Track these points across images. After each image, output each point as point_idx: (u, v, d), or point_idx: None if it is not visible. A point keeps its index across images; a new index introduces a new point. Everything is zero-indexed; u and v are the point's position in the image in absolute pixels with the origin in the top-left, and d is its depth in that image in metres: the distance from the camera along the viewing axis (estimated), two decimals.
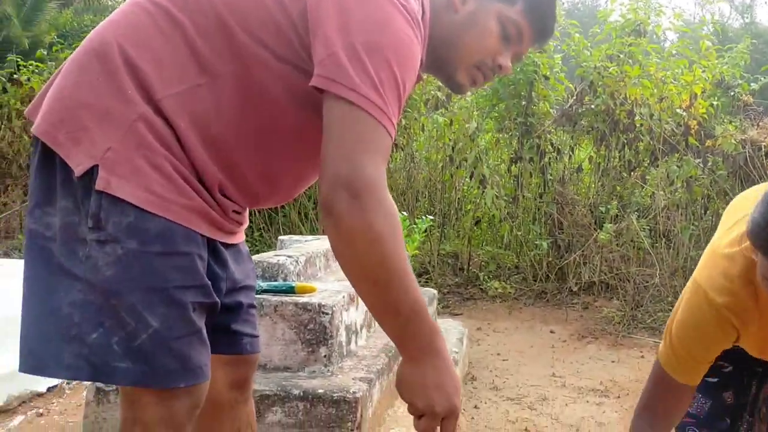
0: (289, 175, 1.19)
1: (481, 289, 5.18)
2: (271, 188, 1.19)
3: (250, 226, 1.82)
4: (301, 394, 1.86)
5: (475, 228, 5.70)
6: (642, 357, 3.73)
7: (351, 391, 1.88)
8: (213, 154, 1.08)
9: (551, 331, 4.26)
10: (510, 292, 4.99)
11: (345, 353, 2.14)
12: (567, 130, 5.45)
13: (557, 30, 5.10)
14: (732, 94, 5.13)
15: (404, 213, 3.79)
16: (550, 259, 5.07)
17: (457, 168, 5.47)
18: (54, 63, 6.00)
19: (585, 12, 22.81)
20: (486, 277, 5.18)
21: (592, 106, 4.99)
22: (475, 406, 2.90)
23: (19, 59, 6.04)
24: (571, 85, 5.16)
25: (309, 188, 1.51)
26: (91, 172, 1.02)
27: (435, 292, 3.53)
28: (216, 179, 1.09)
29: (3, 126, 5.78)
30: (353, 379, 1.98)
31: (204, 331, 1.11)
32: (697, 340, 1.22)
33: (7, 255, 5.01)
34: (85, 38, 1.13)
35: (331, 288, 2.22)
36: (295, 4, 1.06)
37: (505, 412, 2.87)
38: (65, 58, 1.35)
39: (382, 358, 2.23)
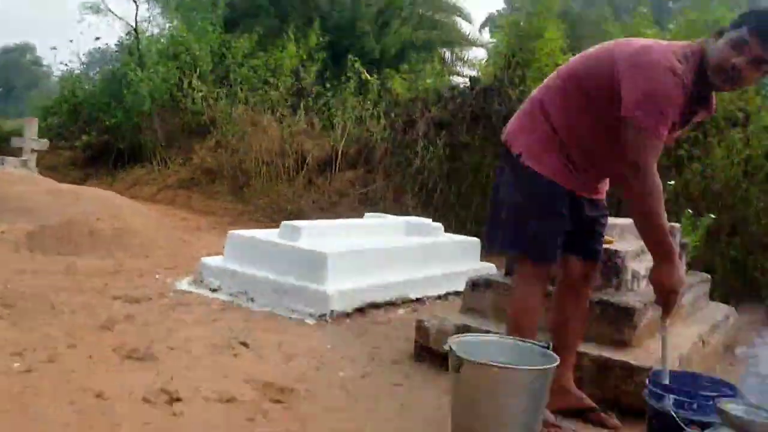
0: (612, 158, 2.33)
1: (761, 294, 5.59)
2: (605, 165, 2.39)
3: None
4: (598, 300, 2.95)
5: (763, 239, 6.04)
6: None
7: (631, 305, 2.91)
8: (577, 148, 2.32)
9: None
10: None
11: (628, 287, 3.16)
12: None
13: None
14: None
15: (689, 210, 4.53)
16: None
17: (749, 182, 5.91)
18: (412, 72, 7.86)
19: None
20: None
21: None
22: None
23: (393, 72, 8.01)
24: None
25: None
26: (520, 155, 2.33)
27: (708, 276, 4.30)
28: (577, 160, 2.32)
29: (379, 125, 7.78)
30: (634, 300, 3.00)
31: (560, 238, 2.35)
32: None
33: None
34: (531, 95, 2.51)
35: (624, 244, 3.26)
36: (616, 71, 2.20)
37: None
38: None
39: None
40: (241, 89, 9.13)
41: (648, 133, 2.11)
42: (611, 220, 3.64)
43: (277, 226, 4.64)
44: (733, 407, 1.94)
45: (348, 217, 6.30)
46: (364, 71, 8.70)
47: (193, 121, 9.87)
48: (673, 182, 5.34)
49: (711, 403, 2.01)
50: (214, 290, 4.16)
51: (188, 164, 9.31)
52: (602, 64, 2.26)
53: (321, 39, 10.03)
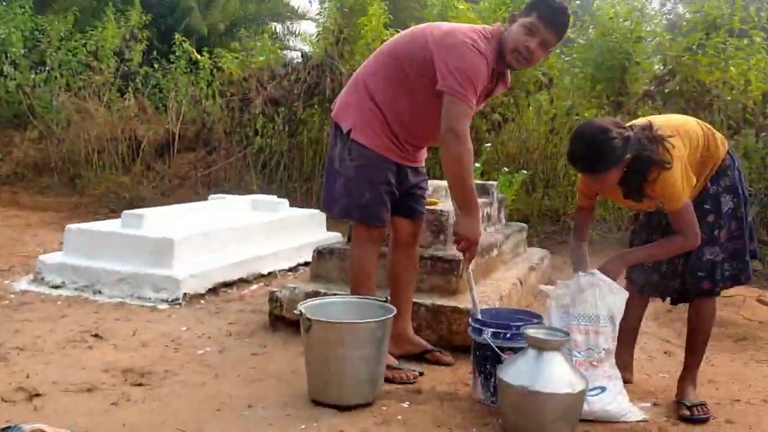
0: (428, 130, 2.64)
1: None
2: (423, 137, 2.69)
3: None
4: (429, 256, 3.32)
5: (572, 188, 6.89)
6: None
7: (456, 257, 3.31)
8: (399, 123, 2.61)
9: None
10: (596, 239, 6.18)
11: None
12: (656, 106, 6.48)
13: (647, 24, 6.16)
14: None
15: (505, 168, 5.10)
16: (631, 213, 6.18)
17: (558, 138, 6.69)
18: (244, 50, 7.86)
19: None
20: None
21: (676, 88, 6.02)
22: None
23: (224, 51, 7.95)
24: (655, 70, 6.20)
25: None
26: (350, 131, 2.57)
27: (525, 225, 4.90)
28: (400, 135, 2.61)
29: (215, 105, 7.72)
30: (458, 253, 3.40)
31: (388, 203, 2.63)
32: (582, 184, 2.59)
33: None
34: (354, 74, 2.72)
35: (446, 204, 3.66)
36: (429, 51, 2.51)
37: None
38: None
39: None
40: (61, 75, 8.59)
41: (462, 102, 2.43)
42: (437, 182, 4.05)
43: (118, 216, 4.58)
44: (534, 331, 2.37)
45: (192, 201, 6.28)
46: (194, 51, 8.54)
47: (8, 112, 9.14)
48: (489, 144, 5.90)
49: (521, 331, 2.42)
50: (56, 287, 4.06)
51: (8, 159, 8.65)
52: (418, 45, 2.56)
53: (144, 17, 9.61)
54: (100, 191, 7.55)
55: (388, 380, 2.61)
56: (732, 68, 5.55)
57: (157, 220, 4.39)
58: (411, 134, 2.67)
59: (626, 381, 2.64)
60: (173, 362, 2.87)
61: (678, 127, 2.50)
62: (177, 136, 8.04)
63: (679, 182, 2.39)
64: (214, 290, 4.12)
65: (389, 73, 2.61)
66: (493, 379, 2.47)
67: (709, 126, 2.63)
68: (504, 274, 3.88)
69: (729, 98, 5.55)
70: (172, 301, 3.84)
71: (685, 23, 6.23)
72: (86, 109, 8.00)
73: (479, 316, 2.64)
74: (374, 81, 2.64)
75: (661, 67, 6.08)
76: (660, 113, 6.47)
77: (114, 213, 6.53)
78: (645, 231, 2.74)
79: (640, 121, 2.58)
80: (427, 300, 3.17)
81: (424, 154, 2.88)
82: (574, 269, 2.66)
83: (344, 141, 2.65)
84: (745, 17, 5.77)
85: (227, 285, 4.25)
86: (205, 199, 5.90)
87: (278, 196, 5.96)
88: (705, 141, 2.52)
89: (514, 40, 2.52)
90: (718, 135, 2.61)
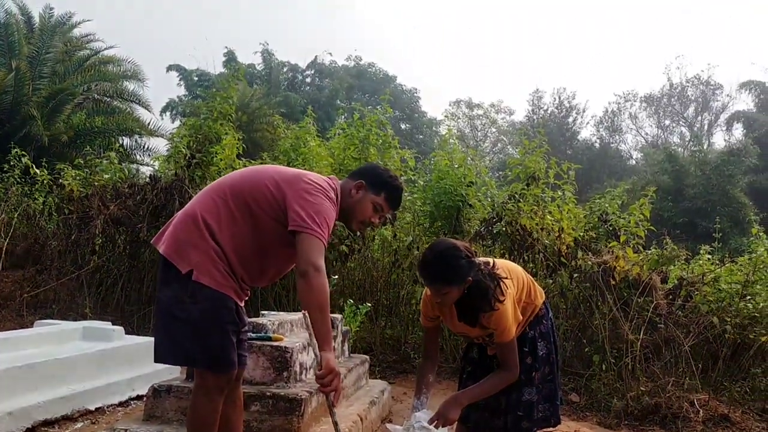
0: (273, 270, 2.73)
1: (413, 365, 6.63)
2: (265, 277, 2.74)
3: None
4: (271, 395, 3.33)
5: (413, 315, 7.22)
6: None
7: (299, 396, 3.35)
8: (241, 264, 2.59)
9: None
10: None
11: (297, 379, 3.61)
12: (486, 244, 7.10)
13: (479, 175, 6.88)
14: (608, 224, 6.83)
15: (351, 300, 5.30)
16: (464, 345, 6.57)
17: (401, 270, 7.07)
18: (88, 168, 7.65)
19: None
20: (417, 356, 6.63)
21: (503, 229, 6.68)
22: None
23: (65, 166, 7.67)
24: (486, 212, 6.88)
25: (278, 284, 3.08)
26: (190, 272, 2.51)
27: (367, 357, 5.04)
28: (241, 274, 2.61)
29: (51, 221, 7.32)
30: (302, 390, 3.45)
31: (236, 344, 2.61)
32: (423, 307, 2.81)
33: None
34: (183, 208, 2.68)
35: (293, 340, 3.72)
36: (280, 193, 2.59)
37: None
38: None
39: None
40: None
41: (320, 240, 2.50)
42: (281, 317, 4.12)
43: None
44: None
45: (14, 323, 5.80)
46: (32, 165, 8.16)
47: None
48: (336, 277, 6.12)
49: None
50: None
51: None
52: (265, 186, 2.58)
53: None
54: None
55: None
56: (548, 216, 6.30)
57: None
58: (251, 273, 2.62)
59: None
60: None
61: (510, 271, 2.83)
62: (3, 252, 7.47)
63: (510, 317, 2.69)
64: (32, 430, 3.78)
65: (231, 212, 2.56)
66: None
67: (530, 277, 3.00)
68: (345, 411, 3.94)
69: (547, 242, 6.25)
70: None
71: (510, 172, 7.04)
72: None
73: None
74: (214, 218, 2.54)
75: (490, 211, 6.76)
76: (490, 251, 7.15)
77: None
78: (479, 368, 2.98)
79: (482, 259, 2.88)
80: None
81: (249, 294, 2.85)
82: (415, 393, 2.84)
83: (183, 282, 2.47)
84: (558, 172, 6.65)
85: (49, 423, 3.91)
86: (31, 324, 5.47)
87: (113, 320, 5.68)
88: (528, 288, 2.87)
89: (362, 213, 2.76)
90: (538, 286, 2.98)
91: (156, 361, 2.60)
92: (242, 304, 2.72)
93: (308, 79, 34.10)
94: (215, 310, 2.50)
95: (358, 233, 2.87)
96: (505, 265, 2.88)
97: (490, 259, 2.87)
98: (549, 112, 34.98)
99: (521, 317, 2.80)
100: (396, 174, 2.96)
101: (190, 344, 2.50)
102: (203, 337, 2.49)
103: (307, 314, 2.46)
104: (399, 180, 2.87)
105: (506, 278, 2.73)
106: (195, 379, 2.65)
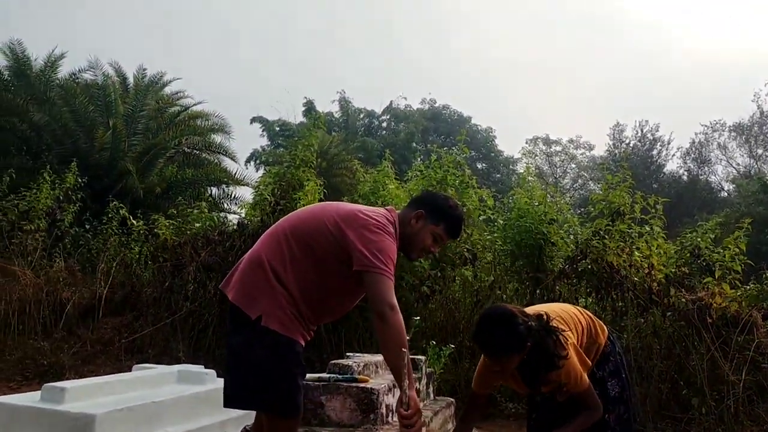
0: (339, 307, 2.75)
1: (500, 409, 6.50)
2: (330, 314, 2.77)
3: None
4: None
5: None
6: None
7: None
8: (306, 303, 2.60)
9: None
10: (522, 413, 6.28)
11: (384, 421, 3.62)
12: (571, 283, 6.93)
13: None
14: (701, 260, 6.55)
15: (434, 342, 5.26)
16: None
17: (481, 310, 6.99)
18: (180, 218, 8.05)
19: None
20: (503, 399, 6.50)
21: (588, 267, 6.52)
22: None
23: (159, 216, 8.11)
24: (569, 250, 6.74)
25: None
26: (259, 318, 2.50)
27: (452, 400, 4.98)
28: (307, 315, 2.61)
29: (147, 269, 7.72)
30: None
31: (302, 388, 2.61)
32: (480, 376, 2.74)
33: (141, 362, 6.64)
34: (248, 253, 2.71)
35: (378, 381, 3.75)
36: (339, 232, 2.59)
37: None
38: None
39: None
40: None
41: (389, 279, 2.50)
42: (366, 358, 4.16)
43: (32, 384, 4.40)
44: None
45: (113, 367, 6.10)
46: (129, 217, 8.67)
47: None
48: (418, 318, 6.13)
49: None
50: None
51: None
52: (324, 225, 2.58)
53: (79, 179, 9.77)
54: (16, 357, 7.21)
55: None
56: (636, 252, 6.10)
57: (80, 394, 4.25)
58: (316, 314, 2.64)
59: None
60: None
61: (565, 317, 2.77)
62: (103, 300, 7.91)
63: (578, 366, 2.63)
64: None
65: (294, 253, 2.56)
66: None
67: (589, 313, 2.93)
68: None
69: (636, 279, 6.04)
70: None
71: (593, 207, 6.89)
72: (12, 271, 7.84)
73: None
74: (279, 261, 2.54)
75: (574, 248, 6.62)
76: (575, 289, 6.97)
77: (28, 381, 6.23)
78: (546, 409, 2.91)
79: (533, 310, 2.82)
80: None
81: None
82: None
83: (253, 328, 2.48)
84: (645, 206, 6.46)
85: None
86: (129, 367, 5.74)
87: (206, 364, 5.87)
88: (588, 329, 2.81)
89: (422, 242, 2.77)
90: (598, 321, 2.90)
91: (225, 405, 2.62)
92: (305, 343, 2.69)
93: (384, 124, 34.69)
94: (284, 355, 2.51)
95: (416, 259, 2.93)
96: (558, 312, 2.81)
97: (542, 310, 2.80)
98: (632, 145, 34.02)
99: (589, 362, 2.74)
100: (456, 202, 2.91)
101: (259, 389, 2.51)
102: (272, 382, 2.49)
103: (405, 351, 2.44)
104: (459, 209, 2.86)
105: (565, 330, 2.67)
106: (265, 424, 2.65)
